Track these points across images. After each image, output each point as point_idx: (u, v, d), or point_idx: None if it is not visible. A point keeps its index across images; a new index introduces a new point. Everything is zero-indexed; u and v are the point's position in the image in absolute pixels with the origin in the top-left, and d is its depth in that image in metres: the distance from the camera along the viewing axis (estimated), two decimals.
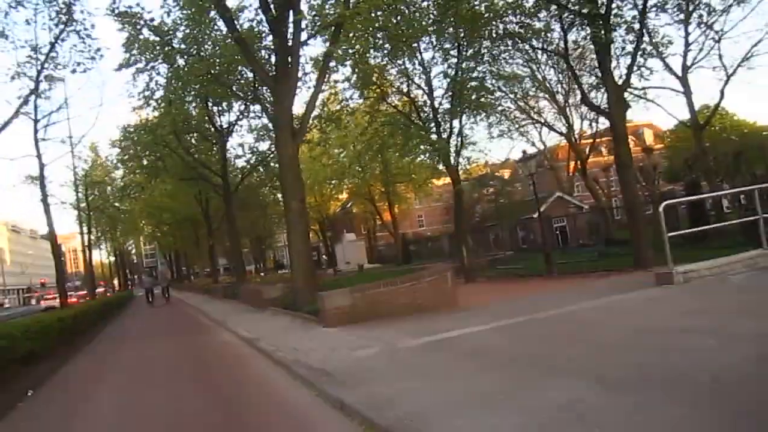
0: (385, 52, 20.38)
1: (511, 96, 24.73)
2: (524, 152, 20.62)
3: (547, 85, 33.25)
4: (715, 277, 10.66)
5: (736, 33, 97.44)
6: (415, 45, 20.67)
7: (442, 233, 50.20)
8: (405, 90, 22.86)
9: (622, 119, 15.77)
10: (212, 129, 30.24)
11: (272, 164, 31.14)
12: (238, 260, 34.68)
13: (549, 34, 18.36)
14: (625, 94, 16.37)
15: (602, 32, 14.72)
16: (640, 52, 15.25)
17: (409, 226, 71.05)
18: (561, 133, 37.51)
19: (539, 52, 24.70)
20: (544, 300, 11.86)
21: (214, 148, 32.22)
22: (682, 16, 23.18)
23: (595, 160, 51.91)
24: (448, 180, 27.39)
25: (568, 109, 35.92)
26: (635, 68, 15.26)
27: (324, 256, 69.83)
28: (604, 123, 40.06)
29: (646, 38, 16.17)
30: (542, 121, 37.12)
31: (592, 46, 17.59)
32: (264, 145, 31.28)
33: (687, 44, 25.88)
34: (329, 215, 64.24)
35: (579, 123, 39.00)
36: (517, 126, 32.88)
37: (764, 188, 13.25)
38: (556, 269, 19.15)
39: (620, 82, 15.67)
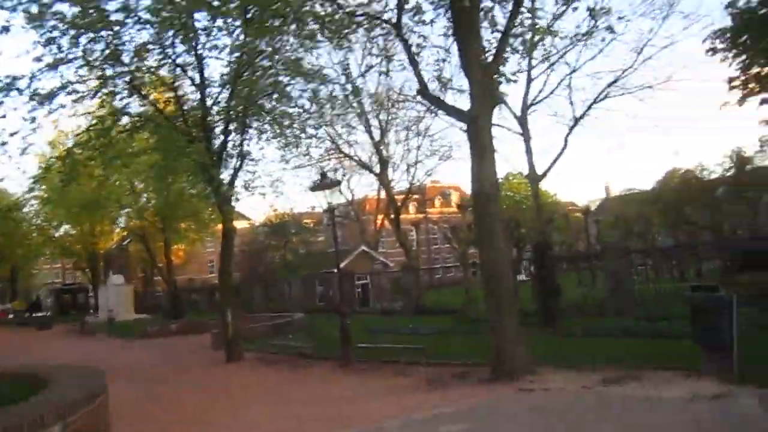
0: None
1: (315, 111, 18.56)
2: (323, 175, 14.73)
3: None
4: None
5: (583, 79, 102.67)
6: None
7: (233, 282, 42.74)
8: (170, 80, 16.10)
9: (487, 122, 10.59)
10: None
11: None
12: None
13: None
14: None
15: None
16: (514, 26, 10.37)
17: (197, 270, 62.78)
18: (375, 173, 32.78)
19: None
20: None
21: None
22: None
23: (406, 217, 48.77)
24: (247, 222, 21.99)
25: (384, 144, 31.34)
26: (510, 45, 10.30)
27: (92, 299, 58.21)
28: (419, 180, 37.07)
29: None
30: (353, 156, 32.19)
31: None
32: None
33: (529, 79, 22.58)
34: (99, 251, 53.48)
35: (392, 172, 34.78)
36: (320, 158, 27.11)
37: None
38: (353, 356, 13.47)
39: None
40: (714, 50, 17.58)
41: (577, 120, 24.04)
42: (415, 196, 70.27)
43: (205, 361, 17.09)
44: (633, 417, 6.88)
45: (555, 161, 24.70)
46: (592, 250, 33.41)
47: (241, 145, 16.74)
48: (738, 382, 7.90)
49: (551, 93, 24.58)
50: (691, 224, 45.47)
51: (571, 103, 24.36)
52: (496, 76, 11.56)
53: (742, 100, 17.36)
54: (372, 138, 29.93)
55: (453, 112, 11.89)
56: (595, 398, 8.03)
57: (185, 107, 16.61)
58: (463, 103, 12.52)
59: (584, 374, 9.50)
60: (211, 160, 15.06)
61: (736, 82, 17.27)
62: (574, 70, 23.96)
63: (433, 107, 23.82)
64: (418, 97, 26.19)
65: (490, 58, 11.20)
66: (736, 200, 42.92)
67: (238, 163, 16.86)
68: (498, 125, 25.53)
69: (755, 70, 16.82)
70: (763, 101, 16.92)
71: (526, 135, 23.79)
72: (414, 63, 12.36)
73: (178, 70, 15.98)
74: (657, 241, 47.79)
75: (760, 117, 17.41)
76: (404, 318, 23.32)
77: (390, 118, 30.93)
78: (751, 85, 16.90)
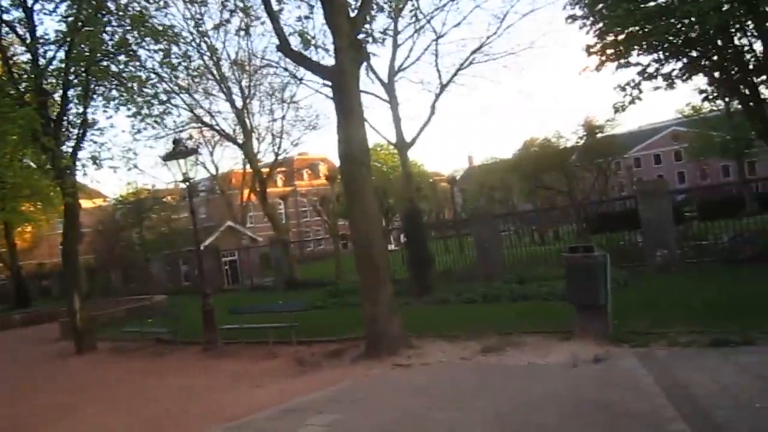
0: None
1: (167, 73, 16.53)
2: (176, 142, 13.25)
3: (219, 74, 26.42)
4: None
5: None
6: None
7: (88, 265, 39.22)
8: None
9: (354, 78, 9.68)
10: None
11: None
12: None
13: None
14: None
15: None
16: None
17: (47, 254, 57.43)
18: (238, 145, 31.00)
19: None
20: None
21: None
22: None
23: (273, 190, 47.31)
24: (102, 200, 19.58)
25: (248, 113, 29.61)
26: None
27: None
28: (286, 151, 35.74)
29: None
30: (214, 126, 30.22)
31: None
32: None
33: (396, 44, 22.03)
34: None
35: (257, 145, 33.18)
36: (177, 128, 24.95)
37: None
38: (218, 339, 12.40)
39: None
40: (573, 17, 17.90)
41: (443, 87, 23.93)
42: (283, 169, 68.73)
43: (51, 354, 15.21)
44: (517, 387, 6.51)
45: (423, 128, 24.45)
46: (459, 218, 34.03)
47: (84, 112, 14.80)
48: (612, 341, 7.85)
49: (418, 59, 24.33)
50: (549, 190, 48.06)
51: (438, 69, 24.21)
52: (363, 35, 10.78)
53: (599, 66, 17.84)
54: (234, 107, 28.13)
55: (316, 68, 10.94)
56: (476, 370, 7.65)
57: (14, 70, 14.44)
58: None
59: (462, 344, 9.15)
60: (41, 126, 13.08)
61: (594, 49, 17.68)
62: (439, 36, 23.75)
63: (296, 74, 22.73)
64: (282, 63, 25.04)
65: (355, 13, 10.38)
66: (589, 166, 46.01)
67: (81, 132, 14.94)
68: (365, 92, 24.97)
69: (611, 37, 17.29)
70: (619, 66, 17.49)
71: (393, 102, 23.31)
72: (273, 17, 11.25)
73: (5, 28, 13.87)
74: (517, 207, 49.99)
75: (616, 83, 17.85)
76: (276, 294, 22.37)
77: (253, 83, 29.25)
78: (608, 52, 17.38)
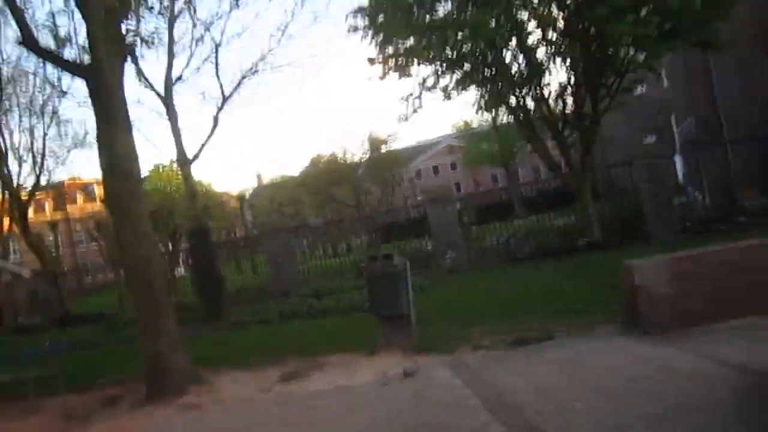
0: None
1: None
2: None
3: None
4: None
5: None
6: None
7: None
8: None
9: (116, 76, 8.16)
10: None
11: None
12: None
13: None
14: None
15: None
16: None
17: None
18: None
19: None
20: None
21: None
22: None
23: (39, 218, 41.73)
24: None
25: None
26: None
27: None
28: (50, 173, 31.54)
29: None
30: None
31: None
32: None
33: (172, 52, 20.28)
34: None
35: (17, 167, 28.74)
36: None
37: None
38: None
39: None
40: (355, 28, 17.97)
41: (225, 98, 22.64)
42: (50, 194, 61.17)
43: None
44: (326, 421, 5.75)
45: (206, 142, 22.77)
46: (250, 235, 32.72)
47: None
48: (418, 351, 7.48)
49: (198, 69, 22.69)
50: (338, 203, 48.68)
51: (219, 80, 22.88)
52: (134, 35, 9.43)
53: (383, 77, 18.07)
54: None
55: (69, 66, 9.26)
56: (278, 403, 6.74)
57: None
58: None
59: (261, 372, 8.19)
60: None
61: (377, 60, 17.89)
62: (218, 46, 22.47)
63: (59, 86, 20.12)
64: (39, 72, 22.02)
65: None
66: (375, 179, 47.52)
67: None
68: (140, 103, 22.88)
69: (391, 49, 17.62)
70: (401, 77, 17.86)
71: (172, 115, 21.41)
72: (14, 7, 9.41)
73: None
74: (308, 221, 50.00)
75: (401, 96, 18.27)
76: (46, 334, 19.22)
77: (5, 96, 25.22)
78: (390, 63, 17.67)
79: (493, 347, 7.03)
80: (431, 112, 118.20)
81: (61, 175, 66.68)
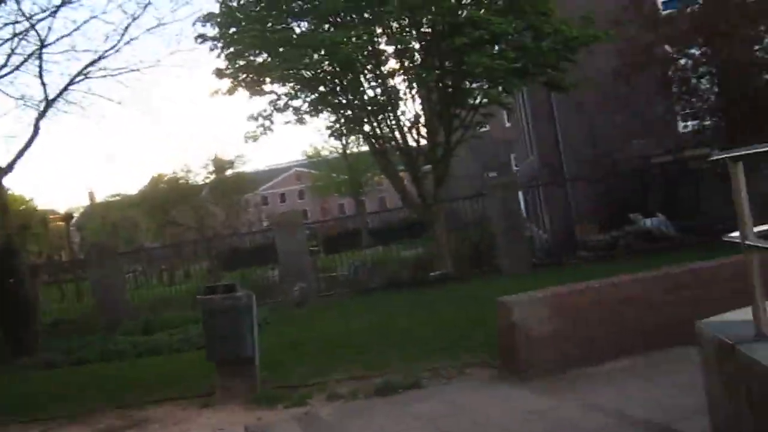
0: None
1: None
2: None
3: None
4: None
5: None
6: None
7: None
8: None
9: None
10: None
11: None
12: None
13: None
14: None
15: None
16: None
17: None
18: None
19: None
20: None
21: None
22: None
23: None
24: None
25: None
26: None
27: None
28: None
29: None
30: None
31: None
32: None
33: None
34: None
35: None
36: None
37: None
38: None
39: None
40: (203, 38, 16.50)
41: (49, 102, 19.82)
42: None
43: None
44: None
45: (24, 150, 19.62)
46: (76, 258, 29.21)
47: None
48: (263, 403, 6.29)
49: (17, 68, 19.58)
50: (179, 226, 45.61)
51: (43, 82, 20.00)
52: None
53: (232, 90, 16.70)
54: None
55: None
56: None
57: None
58: None
59: (67, 430, 6.55)
60: None
61: (226, 73, 16.52)
62: (44, 45, 19.66)
63: None
64: None
65: None
66: (219, 202, 45.22)
67: None
68: None
69: (242, 61, 16.37)
70: (253, 94, 16.63)
71: None
72: None
73: None
74: (144, 245, 46.40)
75: (249, 113, 16.89)
76: None
77: None
78: (241, 77, 16.39)
79: (351, 396, 6.03)
80: (281, 136, 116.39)
81: None
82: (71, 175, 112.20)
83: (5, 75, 18.85)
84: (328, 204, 65.65)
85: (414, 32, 16.82)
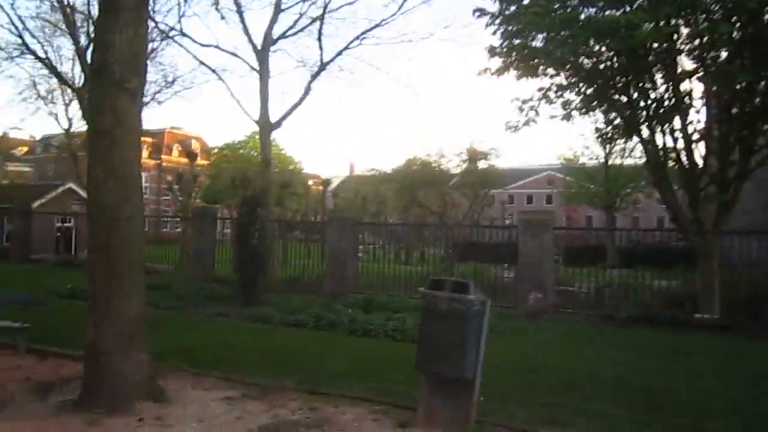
0: None
1: None
2: None
3: None
4: None
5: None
6: None
7: None
8: None
9: None
10: None
11: None
12: None
13: None
14: None
15: None
16: None
17: None
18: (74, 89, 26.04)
19: None
20: None
21: None
22: None
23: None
24: None
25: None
26: None
27: None
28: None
29: None
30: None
31: None
32: None
33: (279, 7, 18.62)
34: None
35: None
36: None
37: None
38: None
39: None
40: (482, 12, 15.43)
41: (323, 65, 20.66)
42: (150, 140, 62.48)
43: None
44: None
45: (293, 109, 20.72)
46: (320, 222, 30.79)
47: None
48: None
49: (302, 30, 20.73)
50: (423, 208, 46.18)
51: (321, 46, 20.96)
52: None
53: (502, 71, 15.40)
54: (77, 43, 23.33)
55: None
56: None
57: None
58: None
59: (244, 404, 5.78)
60: None
61: (499, 51, 15.29)
62: (326, 11, 20.53)
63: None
64: None
65: None
66: (466, 193, 44.82)
67: None
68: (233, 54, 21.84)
69: (517, 41, 14.98)
70: (522, 75, 15.19)
71: (264, 74, 19.61)
72: None
73: None
74: (388, 220, 47.95)
75: (516, 94, 15.53)
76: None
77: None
78: (513, 56, 15.05)
79: None
80: (539, 135, 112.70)
81: (161, 123, 67.62)
82: (338, 147, 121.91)
83: (291, 35, 20.07)
84: (578, 213, 61.86)
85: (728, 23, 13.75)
